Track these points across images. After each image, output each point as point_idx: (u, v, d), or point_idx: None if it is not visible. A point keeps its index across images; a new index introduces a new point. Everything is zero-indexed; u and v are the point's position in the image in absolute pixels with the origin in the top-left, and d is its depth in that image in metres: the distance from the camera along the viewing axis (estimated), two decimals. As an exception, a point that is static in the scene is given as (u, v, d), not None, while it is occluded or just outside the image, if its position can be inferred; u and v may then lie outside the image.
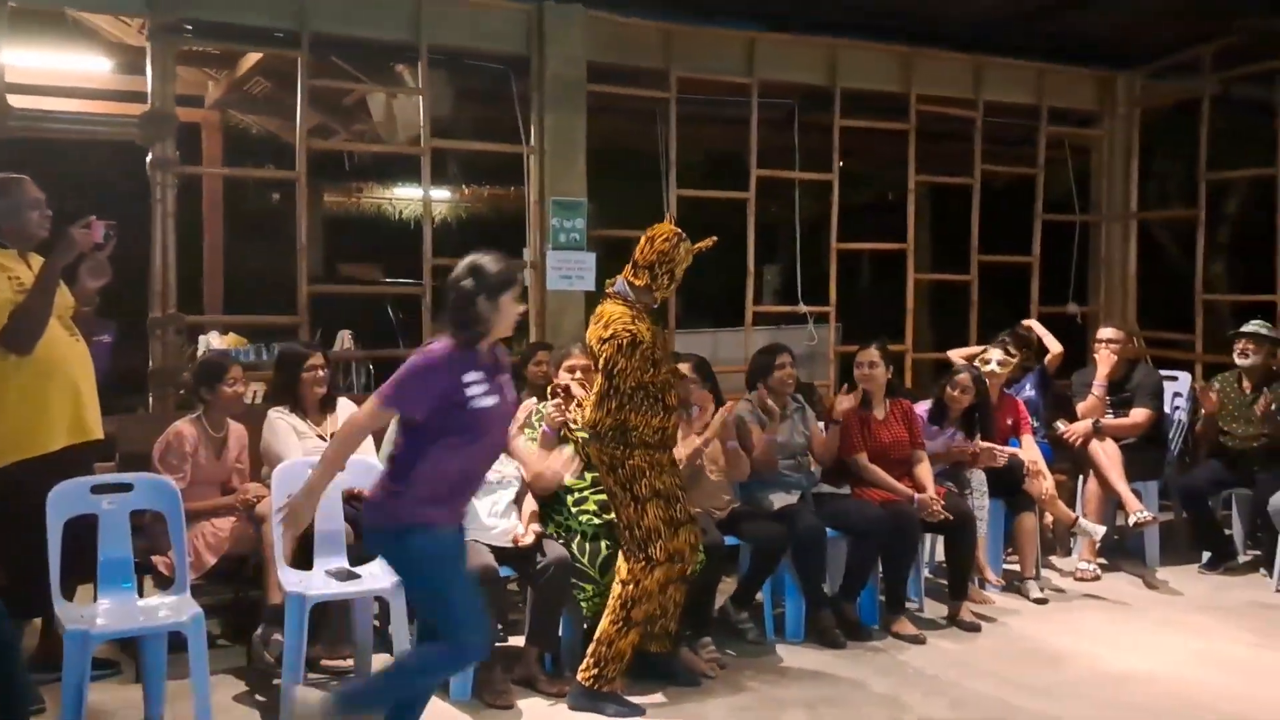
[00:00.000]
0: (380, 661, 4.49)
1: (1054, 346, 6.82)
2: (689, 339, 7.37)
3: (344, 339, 7.55)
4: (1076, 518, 6.09)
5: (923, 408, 5.89)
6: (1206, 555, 6.48)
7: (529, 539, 4.45)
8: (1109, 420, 6.49)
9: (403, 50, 6.40)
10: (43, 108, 7.08)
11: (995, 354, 6.21)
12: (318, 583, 4.30)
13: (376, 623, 4.65)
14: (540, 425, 4.71)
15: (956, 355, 6.55)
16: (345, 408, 4.93)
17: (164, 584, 4.37)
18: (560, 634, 4.60)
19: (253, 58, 6.87)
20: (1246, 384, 6.50)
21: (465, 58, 6.55)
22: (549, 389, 4.79)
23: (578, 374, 4.75)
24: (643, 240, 4.35)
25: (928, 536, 5.77)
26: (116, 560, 4.07)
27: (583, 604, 4.54)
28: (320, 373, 4.94)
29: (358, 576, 4.37)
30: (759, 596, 5.22)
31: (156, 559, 4.46)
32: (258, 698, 4.37)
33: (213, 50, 6.81)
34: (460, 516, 3.54)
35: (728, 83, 7.07)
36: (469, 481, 3.52)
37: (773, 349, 5.43)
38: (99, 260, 4.32)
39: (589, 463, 4.51)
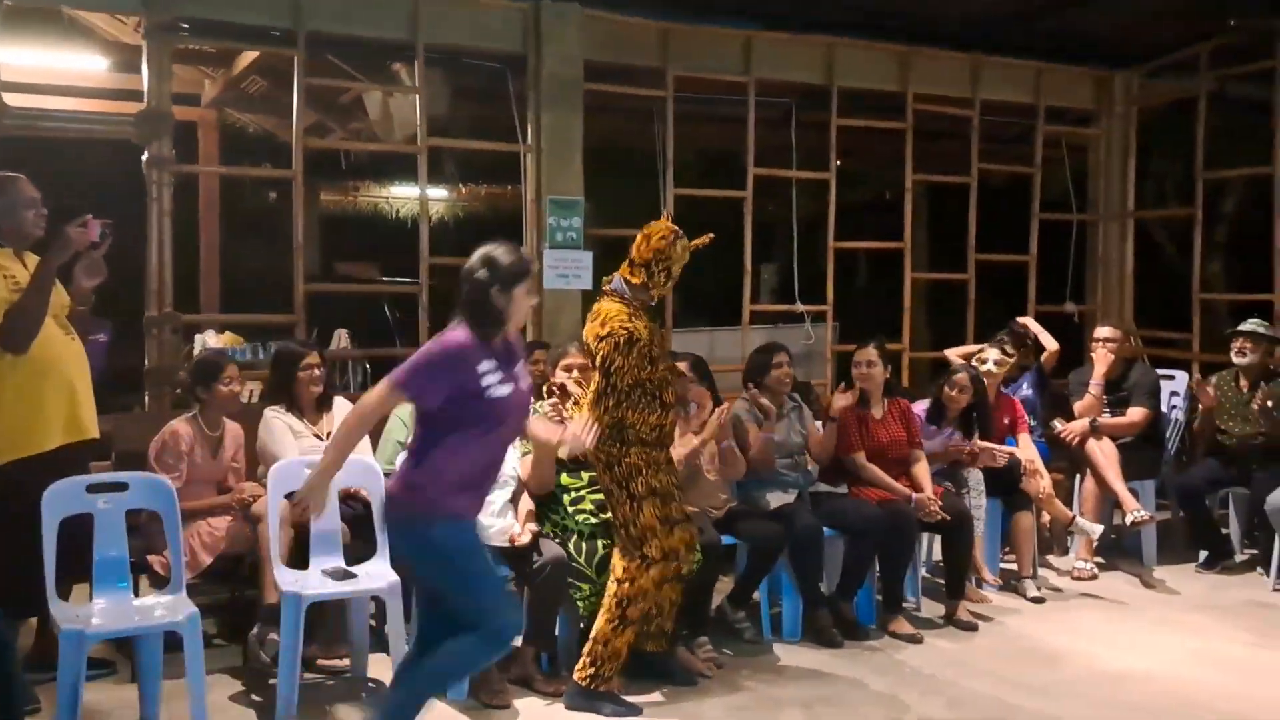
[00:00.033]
0: (377, 661, 4.50)
1: (1050, 344, 6.80)
2: (686, 338, 7.37)
3: (340, 338, 7.52)
4: (1074, 517, 6.09)
5: (920, 407, 5.89)
6: (1204, 554, 6.48)
7: (526, 538, 4.44)
8: (1106, 419, 6.49)
9: (399, 49, 6.39)
10: (39, 106, 7.09)
11: (992, 353, 6.21)
12: (314, 582, 4.28)
13: (373, 622, 4.64)
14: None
15: (954, 354, 6.56)
16: (341, 407, 4.93)
17: (160, 583, 4.36)
18: (557, 633, 4.60)
19: (249, 56, 6.86)
20: (1244, 382, 6.50)
21: (462, 56, 6.53)
22: (545, 388, 4.79)
23: (574, 373, 4.75)
24: (639, 238, 4.34)
25: (925, 536, 5.77)
26: (112, 559, 4.06)
27: (579, 603, 4.53)
28: (316, 372, 4.92)
29: (354, 576, 4.36)
30: (756, 596, 5.21)
31: (152, 558, 4.45)
32: (253, 697, 4.35)
33: (209, 49, 6.79)
34: (480, 508, 3.54)
35: (725, 81, 7.07)
36: (488, 470, 3.50)
37: (770, 348, 5.43)
38: (95, 259, 4.30)
39: (586, 461, 4.51)
